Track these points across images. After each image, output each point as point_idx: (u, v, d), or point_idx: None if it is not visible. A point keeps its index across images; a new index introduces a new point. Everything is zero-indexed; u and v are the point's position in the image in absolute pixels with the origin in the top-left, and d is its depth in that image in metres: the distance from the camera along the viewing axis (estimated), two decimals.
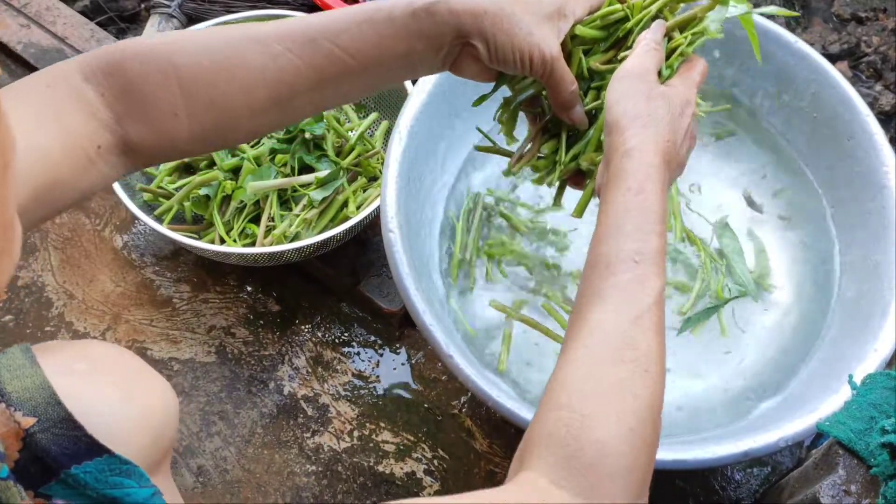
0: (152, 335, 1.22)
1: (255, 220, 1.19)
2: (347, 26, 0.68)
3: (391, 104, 1.27)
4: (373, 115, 1.25)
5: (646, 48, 0.73)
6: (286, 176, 1.18)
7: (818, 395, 0.94)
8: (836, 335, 1.03)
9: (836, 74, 1.12)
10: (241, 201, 1.18)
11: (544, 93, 0.79)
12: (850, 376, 0.90)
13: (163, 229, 1.11)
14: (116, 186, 1.13)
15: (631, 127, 0.67)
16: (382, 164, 1.20)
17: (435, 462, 1.14)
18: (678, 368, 1.06)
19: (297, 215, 1.15)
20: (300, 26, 0.68)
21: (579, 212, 0.79)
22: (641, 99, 0.69)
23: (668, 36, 0.76)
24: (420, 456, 1.14)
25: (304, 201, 1.16)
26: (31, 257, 1.28)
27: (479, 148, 0.92)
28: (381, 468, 1.13)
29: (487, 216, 1.15)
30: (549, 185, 0.82)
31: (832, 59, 1.45)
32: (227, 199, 1.20)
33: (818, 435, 1.06)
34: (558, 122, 0.80)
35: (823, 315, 1.07)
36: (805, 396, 0.97)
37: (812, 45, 1.18)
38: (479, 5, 0.69)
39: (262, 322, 1.24)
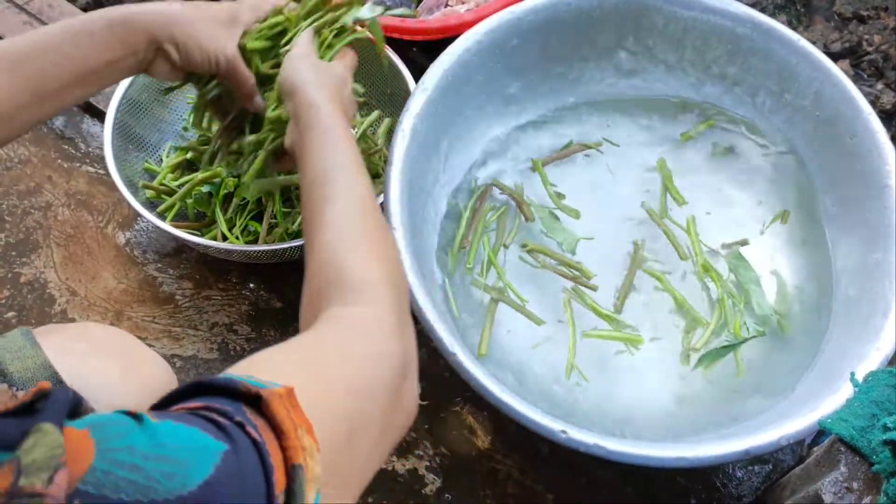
0: (155, 332, 1.22)
1: (258, 217, 1.19)
2: (56, 44, 0.79)
3: (393, 103, 1.27)
4: (374, 114, 1.25)
5: (305, 40, 0.92)
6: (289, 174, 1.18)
7: (820, 393, 0.94)
8: (838, 334, 1.03)
9: (838, 73, 1.12)
10: (244, 199, 1.18)
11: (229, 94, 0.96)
12: (852, 374, 0.90)
13: (165, 226, 1.12)
14: (119, 183, 1.13)
15: (308, 87, 0.82)
16: (385, 161, 1.20)
17: (437, 459, 1.14)
18: (681, 369, 1.06)
19: (300, 213, 1.15)
20: (9, 48, 0.77)
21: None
22: (311, 69, 0.86)
23: (319, 34, 0.96)
24: (422, 453, 1.14)
25: None
26: (33, 254, 1.28)
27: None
28: (382, 465, 1.13)
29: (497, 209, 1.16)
30: (244, 173, 0.97)
31: (834, 57, 1.45)
32: (229, 196, 1.20)
33: (820, 432, 1.06)
34: (241, 119, 0.99)
35: (826, 314, 1.07)
36: (807, 395, 0.98)
37: (814, 43, 1.18)
38: (168, 15, 0.84)
39: (264, 319, 1.24)
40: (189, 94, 1.27)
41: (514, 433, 1.15)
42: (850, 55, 1.51)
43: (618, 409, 1.03)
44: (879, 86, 1.48)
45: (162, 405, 0.47)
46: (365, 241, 0.69)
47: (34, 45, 0.78)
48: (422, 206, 1.09)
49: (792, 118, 1.17)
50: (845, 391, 0.91)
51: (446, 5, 1.35)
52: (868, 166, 1.07)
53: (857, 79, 1.48)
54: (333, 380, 0.55)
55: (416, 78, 1.15)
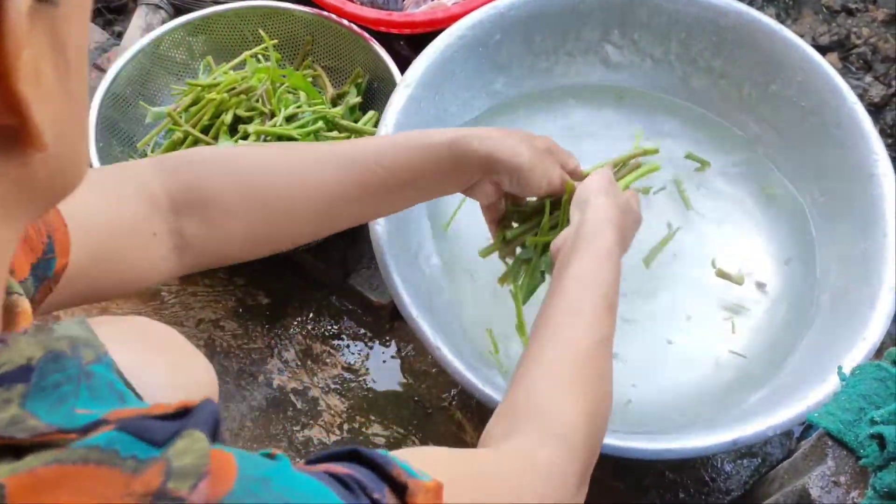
0: None
1: None
2: (392, 150, 0.80)
3: (380, 97, 1.26)
4: (370, 114, 1.24)
5: (605, 169, 0.91)
6: None
7: (807, 384, 0.94)
8: (825, 324, 1.03)
9: (822, 62, 1.12)
10: None
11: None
12: (840, 368, 0.90)
13: None
14: None
15: (602, 202, 0.82)
16: None
17: None
18: (668, 358, 1.06)
19: None
20: (351, 148, 0.81)
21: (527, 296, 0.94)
22: (611, 193, 0.85)
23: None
24: None
25: None
26: None
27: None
28: None
29: None
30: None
31: (822, 50, 1.44)
32: None
33: (808, 426, 1.06)
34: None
35: (812, 304, 1.07)
36: (794, 386, 0.97)
37: (802, 36, 1.18)
38: (501, 151, 0.83)
39: (251, 315, 1.24)
40: (174, 84, 1.26)
41: None
42: (838, 48, 1.51)
43: None
44: (868, 78, 1.48)
45: (315, 461, 0.46)
46: (586, 385, 0.69)
47: (377, 147, 0.81)
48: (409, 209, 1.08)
49: (778, 108, 1.16)
50: (832, 382, 0.91)
51: None
52: (853, 156, 1.07)
53: (845, 72, 1.47)
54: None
55: (403, 71, 1.14)
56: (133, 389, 0.41)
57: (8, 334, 0.34)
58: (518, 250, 0.96)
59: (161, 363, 0.77)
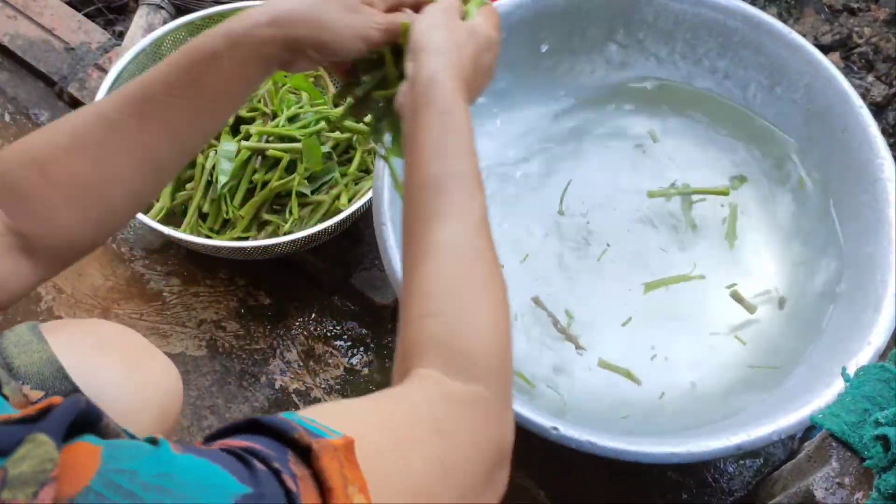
0: (142, 329, 1.21)
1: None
2: (177, 75, 0.70)
3: None
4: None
5: (438, 4, 0.76)
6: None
7: (811, 388, 0.94)
8: (830, 328, 1.03)
9: (829, 66, 1.11)
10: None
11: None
12: (844, 369, 0.90)
13: (152, 223, 1.10)
14: None
15: (434, 54, 0.69)
16: (375, 156, 1.19)
17: None
18: (673, 361, 1.06)
19: (292, 215, 1.14)
20: (134, 88, 0.70)
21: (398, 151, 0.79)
22: (445, 30, 0.72)
23: None
24: None
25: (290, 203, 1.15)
26: None
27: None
28: None
29: None
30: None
31: (824, 50, 1.44)
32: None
33: (810, 427, 1.06)
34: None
35: (817, 308, 1.07)
36: (798, 389, 0.97)
37: (804, 36, 1.18)
38: (298, 20, 0.71)
39: (253, 316, 1.23)
40: None
41: None
42: (840, 47, 1.51)
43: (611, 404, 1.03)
44: (870, 78, 1.48)
45: (212, 438, 0.44)
46: (479, 292, 0.62)
47: (160, 76, 0.71)
48: None
49: (783, 111, 1.16)
50: (836, 386, 0.91)
51: None
52: (859, 160, 1.06)
53: (847, 71, 1.47)
54: (412, 452, 0.50)
55: None
56: (99, 410, 0.40)
57: None
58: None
59: (116, 364, 0.76)
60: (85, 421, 0.38)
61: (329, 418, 0.46)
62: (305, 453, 0.42)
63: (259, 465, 0.41)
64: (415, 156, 0.67)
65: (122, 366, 0.76)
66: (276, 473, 0.40)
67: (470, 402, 0.56)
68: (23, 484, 0.32)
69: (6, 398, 0.40)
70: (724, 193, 1.04)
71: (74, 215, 0.69)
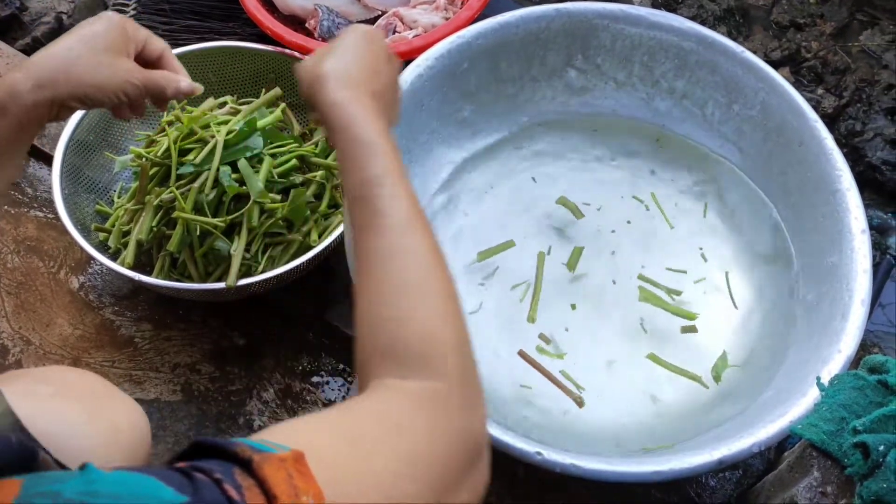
0: (115, 377, 1.19)
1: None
2: None
3: None
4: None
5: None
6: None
7: (786, 398, 0.96)
8: (800, 338, 1.05)
9: (782, 82, 1.14)
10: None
11: None
12: (818, 378, 0.92)
13: (120, 269, 1.09)
14: (70, 227, 1.10)
15: (328, 83, 0.71)
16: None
17: None
18: (647, 381, 1.07)
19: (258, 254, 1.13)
20: None
21: None
22: (333, 58, 0.73)
23: None
24: None
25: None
26: None
27: None
28: None
29: None
30: None
31: (774, 65, 1.48)
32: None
33: (787, 436, 1.08)
34: None
35: (786, 320, 1.09)
36: (774, 401, 0.99)
37: (754, 52, 1.21)
38: (58, 78, 0.77)
39: (227, 357, 1.22)
40: (138, 129, 1.25)
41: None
42: (789, 62, 1.55)
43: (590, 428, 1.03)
44: (820, 91, 1.52)
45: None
46: (421, 288, 0.61)
47: None
48: None
49: (741, 128, 1.19)
50: (811, 395, 0.92)
51: (394, 31, 1.36)
52: (817, 172, 1.09)
53: (798, 85, 1.51)
54: (373, 452, 0.49)
55: None
56: (31, 449, 0.41)
57: None
58: None
59: (77, 410, 0.75)
60: (17, 461, 0.39)
61: (278, 436, 0.46)
62: (249, 466, 0.43)
63: (200, 476, 0.41)
64: (343, 179, 0.68)
65: (84, 410, 0.76)
66: (218, 483, 0.41)
67: (428, 397, 0.55)
68: None
69: None
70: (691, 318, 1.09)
71: None
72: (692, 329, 1.08)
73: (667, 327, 1.10)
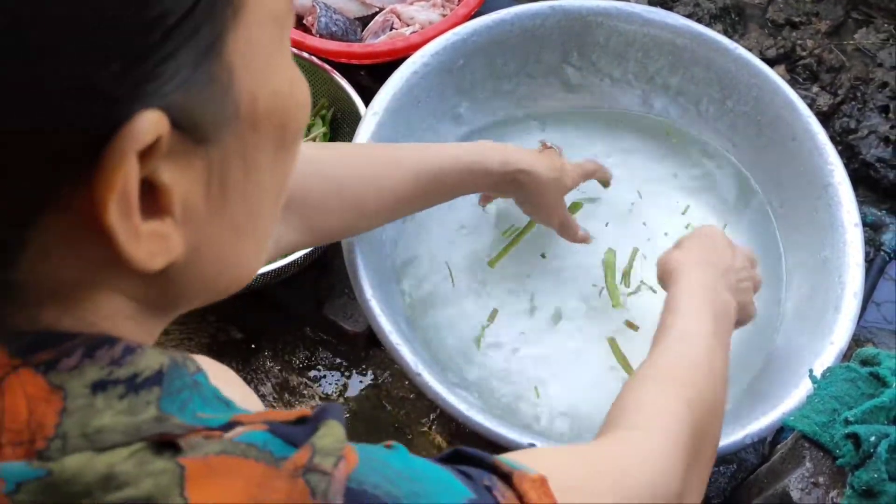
0: None
1: None
2: (451, 166, 0.92)
3: (342, 126, 1.27)
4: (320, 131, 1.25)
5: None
6: None
7: (779, 390, 0.97)
8: (792, 331, 1.06)
9: (776, 78, 1.15)
10: None
11: None
12: (811, 370, 0.93)
13: None
14: None
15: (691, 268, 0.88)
16: None
17: None
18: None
19: None
20: (418, 158, 0.91)
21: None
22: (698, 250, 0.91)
23: None
24: None
25: None
26: None
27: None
28: None
29: None
30: None
31: (770, 63, 1.48)
32: None
33: (780, 430, 1.08)
34: None
35: (777, 312, 1.10)
36: (766, 392, 1.00)
37: (750, 50, 1.22)
38: (523, 166, 0.96)
39: (225, 351, 1.23)
40: None
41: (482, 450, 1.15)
42: (785, 60, 1.56)
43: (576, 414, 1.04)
44: (815, 88, 1.53)
45: None
46: (692, 381, 0.72)
47: (426, 165, 0.90)
48: (381, 229, 1.09)
49: (735, 123, 1.20)
50: (803, 387, 0.93)
51: (392, 28, 1.36)
52: (810, 167, 1.10)
53: (793, 83, 1.52)
54: (602, 487, 0.55)
55: (366, 102, 1.15)
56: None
57: (137, 344, 0.38)
58: None
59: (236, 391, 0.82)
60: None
61: (529, 459, 0.49)
62: (506, 479, 0.46)
63: (473, 481, 0.44)
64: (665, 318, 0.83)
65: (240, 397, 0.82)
66: (488, 489, 0.44)
67: (645, 448, 0.63)
68: (327, 454, 0.38)
69: None
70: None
71: (336, 225, 0.87)
72: (633, 326, 1.09)
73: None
